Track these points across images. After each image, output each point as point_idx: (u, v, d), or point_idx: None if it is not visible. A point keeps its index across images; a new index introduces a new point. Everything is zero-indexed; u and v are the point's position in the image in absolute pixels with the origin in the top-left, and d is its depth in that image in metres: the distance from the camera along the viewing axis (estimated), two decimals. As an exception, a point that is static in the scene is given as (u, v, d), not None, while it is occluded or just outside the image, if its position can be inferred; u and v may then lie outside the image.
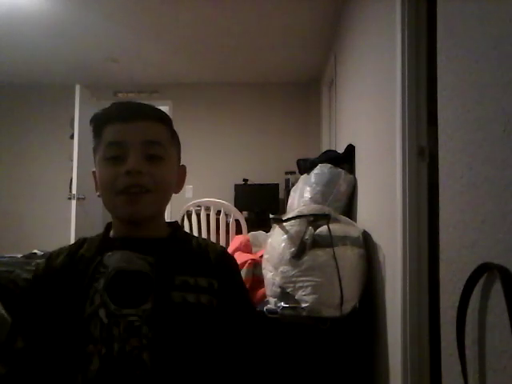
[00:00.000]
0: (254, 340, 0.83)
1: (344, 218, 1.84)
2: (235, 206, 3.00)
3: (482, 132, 0.80)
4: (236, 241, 2.33)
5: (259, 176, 4.29)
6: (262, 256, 1.85)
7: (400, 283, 1.33)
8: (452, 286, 0.91)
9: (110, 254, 0.76)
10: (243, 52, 3.70)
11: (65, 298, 0.72)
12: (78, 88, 3.80)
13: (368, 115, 1.95)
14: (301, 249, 1.61)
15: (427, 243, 1.31)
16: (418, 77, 1.35)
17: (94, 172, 0.82)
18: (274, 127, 4.51)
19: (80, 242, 0.83)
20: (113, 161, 0.76)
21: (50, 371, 0.69)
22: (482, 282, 0.77)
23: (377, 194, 1.74)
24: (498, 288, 0.71)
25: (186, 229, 2.79)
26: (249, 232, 2.53)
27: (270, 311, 1.60)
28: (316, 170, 2.19)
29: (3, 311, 0.73)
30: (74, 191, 3.76)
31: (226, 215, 2.79)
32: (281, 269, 1.61)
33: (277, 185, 4.22)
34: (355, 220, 2.06)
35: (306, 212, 1.73)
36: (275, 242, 1.70)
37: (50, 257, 0.82)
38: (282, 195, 4.20)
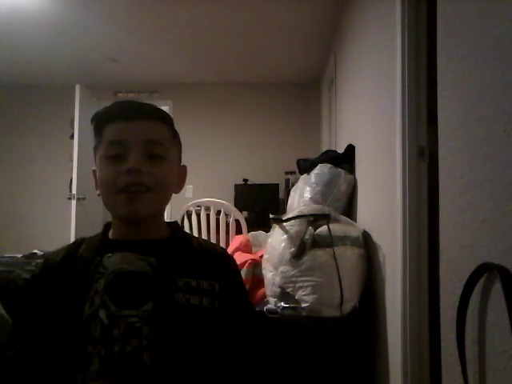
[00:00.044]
0: (253, 341, 0.83)
1: (344, 217, 1.84)
2: (235, 206, 3.00)
3: (482, 132, 0.80)
4: (236, 241, 2.33)
5: (259, 176, 4.29)
6: (261, 256, 1.85)
7: (400, 283, 1.33)
8: (452, 286, 0.91)
9: (109, 255, 0.76)
10: (243, 52, 3.70)
11: (64, 299, 0.72)
12: (77, 88, 3.81)
13: (368, 115, 1.95)
14: (301, 249, 1.61)
15: (427, 243, 1.31)
16: (418, 77, 1.35)
17: (94, 171, 0.82)
18: (274, 127, 4.51)
19: (78, 242, 0.83)
20: (114, 159, 0.76)
21: (50, 372, 0.69)
22: (482, 281, 0.77)
23: (377, 194, 1.74)
24: (497, 288, 0.71)
25: (186, 229, 2.79)
26: (249, 232, 2.53)
27: (270, 311, 1.60)
28: (316, 170, 2.19)
29: (3, 311, 0.73)
30: (74, 191, 3.76)
31: (226, 215, 2.79)
32: (281, 269, 1.61)
33: (277, 185, 4.22)
34: (355, 220, 2.06)
35: (305, 212, 1.73)
36: (275, 242, 1.70)
37: (47, 258, 0.82)
38: (282, 195, 4.20)
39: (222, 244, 2.70)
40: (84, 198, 3.82)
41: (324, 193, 2.07)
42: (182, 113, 4.41)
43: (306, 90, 4.49)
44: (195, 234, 2.72)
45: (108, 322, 0.69)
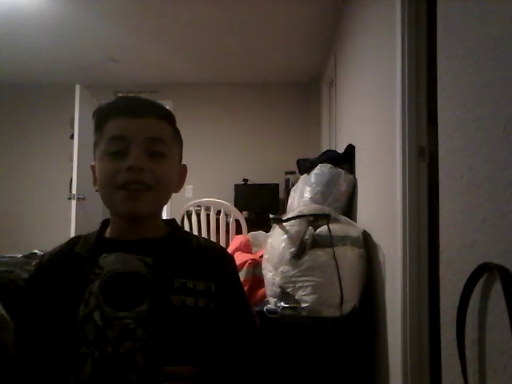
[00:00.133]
0: (250, 342, 0.82)
1: (344, 218, 1.84)
2: (235, 206, 3.00)
3: (482, 132, 0.80)
4: (236, 241, 2.34)
5: (259, 176, 4.29)
6: (261, 256, 1.85)
7: (400, 283, 1.33)
8: (452, 286, 0.91)
9: (105, 255, 0.75)
10: (243, 52, 3.70)
11: (59, 299, 0.71)
12: (77, 88, 3.81)
13: (368, 115, 1.95)
14: (301, 249, 1.61)
15: (427, 243, 1.31)
16: (418, 77, 1.35)
17: (93, 166, 0.81)
18: (274, 127, 4.51)
19: (74, 240, 0.82)
20: (114, 155, 0.75)
21: (43, 373, 0.69)
22: (482, 281, 0.77)
23: (377, 194, 1.74)
24: (498, 288, 0.71)
25: (186, 229, 2.79)
26: (249, 232, 2.54)
27: (270, 311, 1.60)
28: (316, 170, 2.19)
29: (3, 311, 0.73)
30: (74, 191, 3.76)
31: (226, 215, 2.79)
32: (281, 269, 1.61)
33: (277, 185, 4.22)
34: (355, 220, 2.06)
35: (306, 212, 1.73)
36: (275, 242, 1.70)
37: (42, 257, 0.82)
38: (282, 195, 4.20)
39: (222, 244, 2.69)
40: (84, 198, 3.82)
41: (324, 193, 2.07)
42: (181, 113, 4.39)
43: (306, 89, 4.49)
44: (195, 234, 2.72)
45: (102, 324, 0.68)
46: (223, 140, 4.55)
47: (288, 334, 1.61)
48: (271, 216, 1.89)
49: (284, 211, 2.63)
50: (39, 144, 4.56)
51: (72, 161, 3.80)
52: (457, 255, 0.90)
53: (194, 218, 2.81)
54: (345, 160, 2.24)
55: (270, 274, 1.68)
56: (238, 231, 2.71)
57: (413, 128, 1.34)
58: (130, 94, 4.49)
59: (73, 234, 3.66)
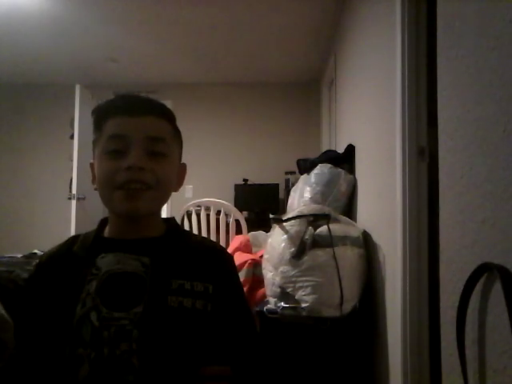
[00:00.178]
0: (249, 343, 0.81)
1: (344, 218, 1.84)
2: (235, 206, 3.00)
3: (482, 132, 0.80)
4: (236, 241, 2.34)
5: (259, 176, 4.29)
6: (261, 256, 1.85)
7: (400, 283, 1.33)
8: (452, 286, 0.91)
9: (103, 255, 0.74)
10: (243, 52, 3.70)
11: (56, 299, 0.71)
12: (77, 88, 3.81)
13: (368, 115, 1.95)
14: (301, 249, 1.61)
15: (427, 243, 1.31)
16: (418, 77, 1.35)
17: (91, 164, 0.80)
18: (274, 127, 4.51)
19: (71, 240, 0.81)
20: (113, 154, 0.74)
21: (41, 373, 0.68)
22: (482, 281, 0.77)
23: (377, 193, 1.74)
24: (498, 288, 0.71)
25: (186, 229, 2.78)
26: (249, 232, 2.54)
27: (270, 311, 1.60)
28: (316, 170, 2.19)
29: (3, 311, 0.72)
30: (74, 191, 3.76)
31: (226, 215, 2.79)
32: (281, 269, 1.61)
33: (277, 185, 4.22)
34: (355, 220, 2.06)
35: (306, 212, 1.73)
36: (275, 242, 1.70)
37: (41, 257, 0.81)
38: (282, 195, 4.20)
39: (222, 244, 2.69)
40: (84, 198, 3.82)
41: (324, 193, 2.07)
42: (181, 113, 4.36)
43: (306, 89, 4.49)
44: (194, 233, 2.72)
45: (99, 325, 0.67)
46: (223, 140, 4.55)
47: (288, 334, 1.61)
48: (271, 216, 1.89)
49: (284, 211, 2.63)
50: (39, 144, 4.56)
51: (72, 161, 3.80)
52: (457, 255, 0.90)
53: (194, 217, 2.81)
54: (345, 160, 2.24)
55: (270, 274, 1.68)
56: (238, 231, 2.71)
57: (413, 128, 1.34)
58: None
59: (73, 234, 3.65)
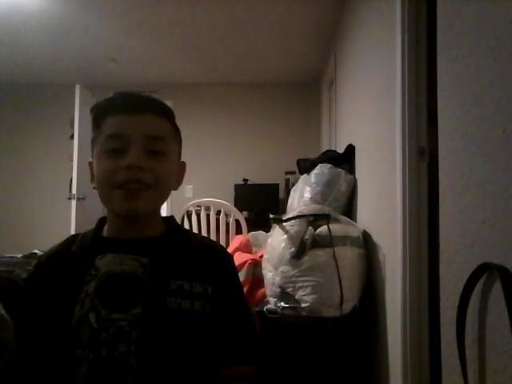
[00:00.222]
0: (248, 343, 0.81)
1: (344, 218, 1.84)
2: (235, 206, 3.01)
3: (482, 132, 0.80)
4: (236, 241, 2.34)
5: (259, 176, 4.29)
6: (261, 256, 1.85)
7: (400, 283, 1.33)
8: (452, 286, 0.91)
9: (101, 255, 0.74)
10: (243, 52, 3.70)
11: (55, 300, 0.71)
12: (77, 88, 3.81)
13: (368, 115, 1.95)
14: (301, 249, 1.61)
15: (427, 243, 1.31)
16: (418, 77, 1.35)
17: (90, 163, 0.79)
18: (274, 127, 4.52)
19: (70, 240, 0.81)
20: (112, 153, 0.73)
21: (39, 374, 0.68)
22: (482, 281, 0.77)
23: (377, 193, 1.74)
24: (498, 288, 0.71)
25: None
26: (249, 232, 2.54)
27: (270, 311, 1.60)
28: (316, 170, 2.19)
29: (3, 311, 0.72)
30: (74, 191, 3.76)
31: (226, 215, 2.79)
32: (281, 269, 1.61)
33: (277, 185, 4.22)
34: (355, 220, 2.06)
35: (306, 212, 1.73)
36: (275, 242, 1.70)
37: (40, 257, 0.81)
38: (282, 195, 4.21)
39: (222, 244, 2.69)
40: (84, 198, 3.82)
41: (324, 193, 2.07)
42: (181, 113, 4.36)
43: (306, 89, 4.49)
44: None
45: (97, 326, 0.67)
46: (223, 140, 4.55)
47: (288, 334, 1.61)
48: (271, 216, 1.89)
49: (284, 211, 2.63)
50: (39, 144, 4.56)
51: (72, 161, 3.80)
52: (457, 255, 0.90)
53: (194, 217, 2.81)
54: (345, 160, 2.24)
55: (270, 274, 1.68)
56: (238, 231, 2.71)
57: (413, 128, 1.34)
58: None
59: (73, 234, 3.65)
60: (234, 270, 0.86)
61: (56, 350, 0.67)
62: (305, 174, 2.33)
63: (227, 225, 2.75)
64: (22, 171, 4.55)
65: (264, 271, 1.75)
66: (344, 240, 1.64)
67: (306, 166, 2.37)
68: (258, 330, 1.61)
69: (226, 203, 2.80)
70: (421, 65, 1.35)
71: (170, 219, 0.86)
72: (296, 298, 1.56)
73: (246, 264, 1.96)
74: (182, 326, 0.71)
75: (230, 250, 2.20)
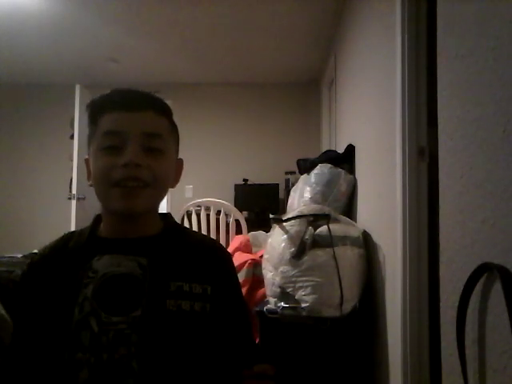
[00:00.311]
0: (246, 343, 0.80)
1: (344, 218, 1.84)
2: (235, 206, 3.01)
3: (482, 132, 0.80)
4: (236, 241, 2.34)
5: (259, 176, 4.29)
6: (261, 256, 1.85)
7: (400, 283, 1.33)
8: (452, 286, 0.91)
9: (98, 257, 0.73)
10: (243, 52, 3.70)
11: (53, 300, 0.70)
12: (77, 88, 3.81)
13: (368, 115, 1.95)
14: (301, 249, 1.61)
15: (427, 243, 1.31)
16: (418, 77, 1.35)
17: (86, 160, 0.78)
18: (274, 127, 4.51)
19: (66, 237, 0.79)
20: (109, 151, 0.72)
21: (39, 378, 0.67)
22: (482, 281, 0.77)
23: (377, 193, 1.74)
24: (498, 288, 0.71)
25: (186, 229, 2.78)
26: (249, 232, 2.54)
27: (270, 311, 1.60)
28: (316, 170, 2.19)
29: (3, 311, 0.72)
30: (74, 191, 3.76)
31: (226, 215, 2.79)
32: (281, 269, 1.61)
33: (277, 185, 4.22)
34: (355, 220, 2.06)
35: (306, 212, 1.73)
36: (275, 242, 1.70)
37: (34, 255, 0.80)
38: (282, 195, 4.20)
39: (222, 244, 2.69)
40: (84, 198, 3.82)
41: (324, 193, 2.07)
42: (181, 113, 4.39)
43: (306, 89, 4.49)
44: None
45: (98, 330, 0.66)
46: (223, 140, 4.55)
47: (288, 334, 1.61)
48: (271, 216, 1.89)
49: (284, 211, 2.63)
50: (39, 144, 4.56)
51: (72, 161, 3.80)
52: (457, 255, 0.90)
53: (194, 217, 2.81)
54: (345, 160, 2.24)
55: (270, 274, 1.68)
56: (238, 231, 2.71)
57: (413, 128, 1.34)
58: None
59: (73, 234, 3.65)
60: (233, 269, 0.86)
61: (55, 352, 0.66)
62: (305, 174, 2.33)
63: (227, 225, 2.75)
64: (22, 171, 4.55)
65: (264, 271, 1.75)
66: (344, 240, 1.64)
67: (306, 166, 2.37)
68: (257, 330, 1.61)
69: (226, 203, 2.80)
70: (421, 65, 1.35)
71: (167, 217, 0.85)
72: (296, 297, 1.56)
73: (246, 264, 1.96)
74: (182, 328, 0.70)
75: (230, 249, 2.20)
